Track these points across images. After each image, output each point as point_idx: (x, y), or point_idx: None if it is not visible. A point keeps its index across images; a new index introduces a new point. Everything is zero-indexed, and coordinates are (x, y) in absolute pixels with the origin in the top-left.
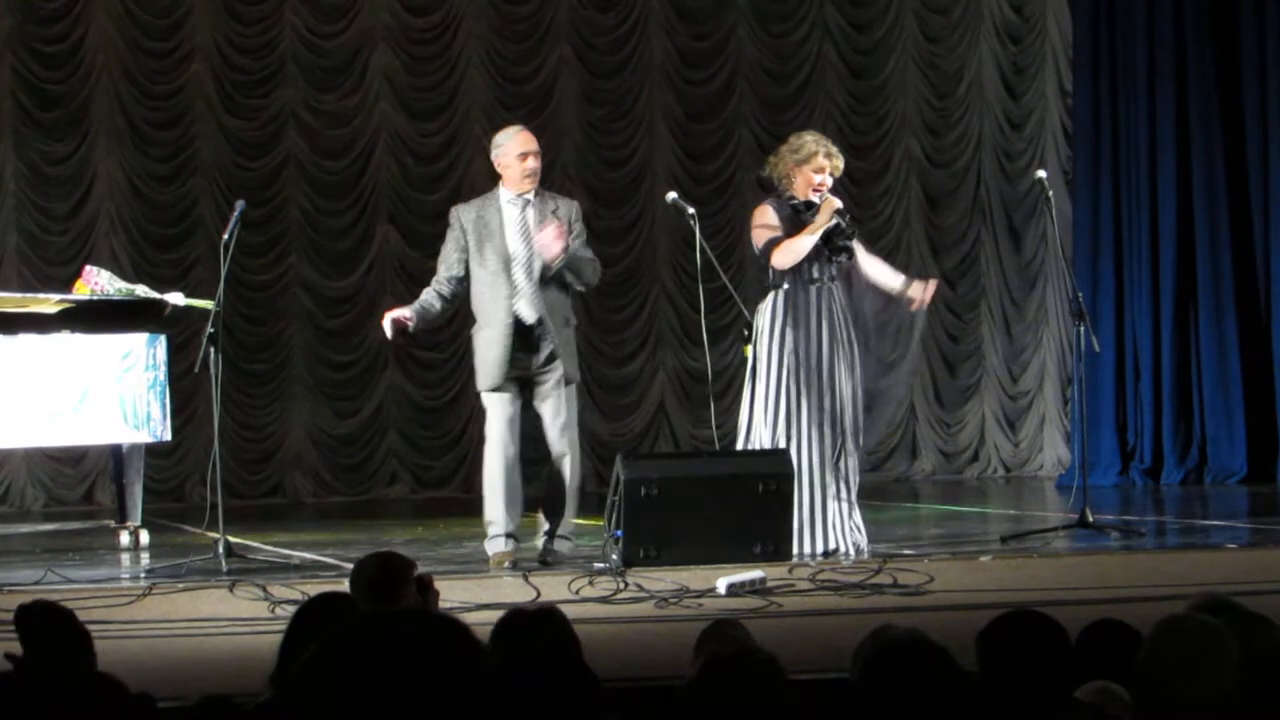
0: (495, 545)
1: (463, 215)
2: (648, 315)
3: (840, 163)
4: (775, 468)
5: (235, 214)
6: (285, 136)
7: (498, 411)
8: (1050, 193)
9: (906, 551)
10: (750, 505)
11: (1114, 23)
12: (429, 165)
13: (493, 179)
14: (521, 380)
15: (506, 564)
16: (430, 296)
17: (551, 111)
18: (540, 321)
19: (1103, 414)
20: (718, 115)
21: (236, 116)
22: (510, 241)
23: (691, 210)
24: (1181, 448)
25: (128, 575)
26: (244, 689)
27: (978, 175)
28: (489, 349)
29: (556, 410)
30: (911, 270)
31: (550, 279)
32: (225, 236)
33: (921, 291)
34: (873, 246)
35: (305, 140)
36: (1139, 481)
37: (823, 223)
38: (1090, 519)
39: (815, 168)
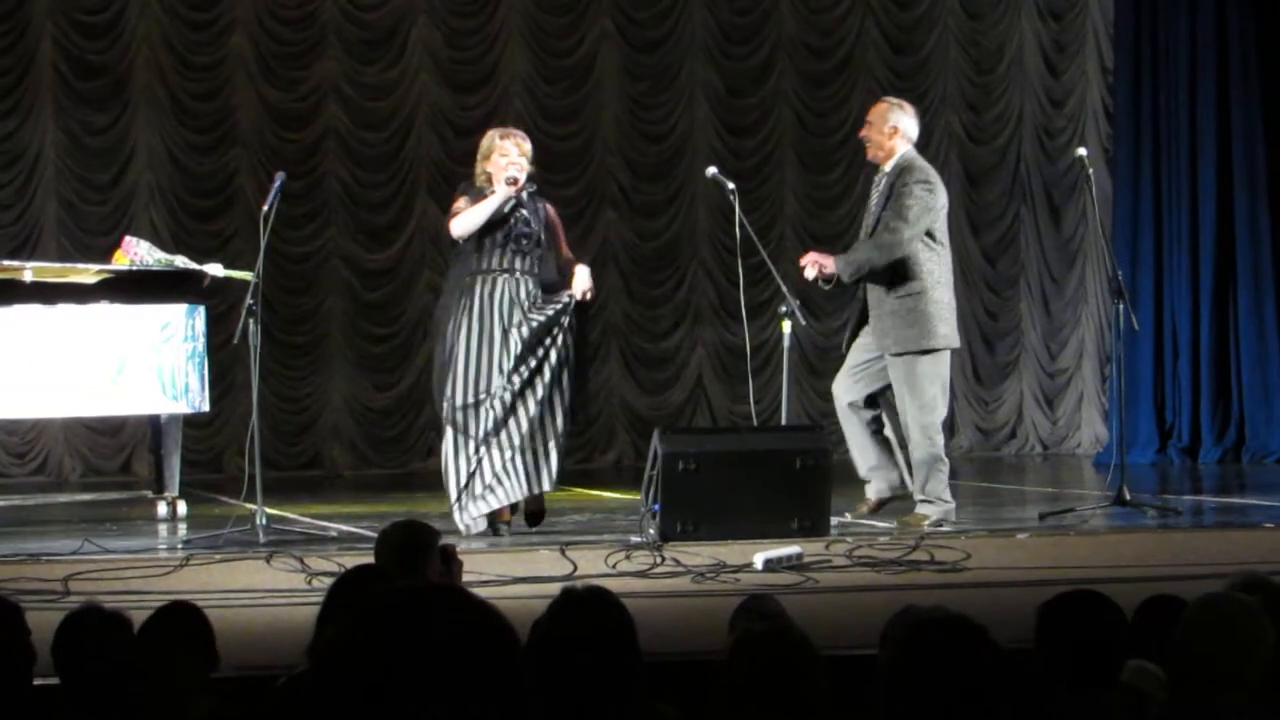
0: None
1: None
2: (687, 290)
3: (525, 142)
4: (812, 443)
5: (276, 186)
6: (325, 109)
7: None
8: (1090, 170)
9: (944, 528)
10: (787, 481)
11: (1155, 0)
12: (469, 139)
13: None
14: None
15: None
16: None
17: (592, 85)
18: None
19: (1141, 392)
20: (758, 90)
21: (277, 88)
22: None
23: (731, 185)
24: (1219, 427)
25: (165, 546)
26: (280, 661)
27: (1018, 152)
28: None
29: None
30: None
31: None
32: (265, 208)
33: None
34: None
35: (345, 112)
36: (1176, 460)
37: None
38: (1128, 497)
39: (501, 153)
